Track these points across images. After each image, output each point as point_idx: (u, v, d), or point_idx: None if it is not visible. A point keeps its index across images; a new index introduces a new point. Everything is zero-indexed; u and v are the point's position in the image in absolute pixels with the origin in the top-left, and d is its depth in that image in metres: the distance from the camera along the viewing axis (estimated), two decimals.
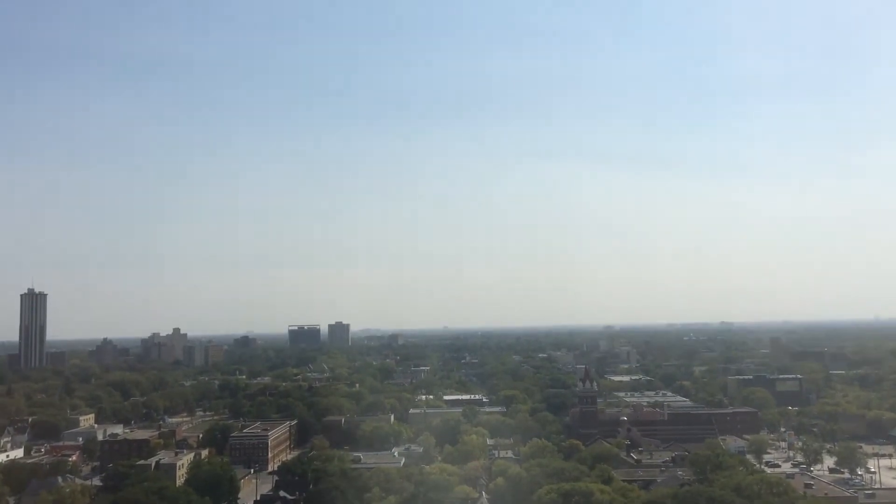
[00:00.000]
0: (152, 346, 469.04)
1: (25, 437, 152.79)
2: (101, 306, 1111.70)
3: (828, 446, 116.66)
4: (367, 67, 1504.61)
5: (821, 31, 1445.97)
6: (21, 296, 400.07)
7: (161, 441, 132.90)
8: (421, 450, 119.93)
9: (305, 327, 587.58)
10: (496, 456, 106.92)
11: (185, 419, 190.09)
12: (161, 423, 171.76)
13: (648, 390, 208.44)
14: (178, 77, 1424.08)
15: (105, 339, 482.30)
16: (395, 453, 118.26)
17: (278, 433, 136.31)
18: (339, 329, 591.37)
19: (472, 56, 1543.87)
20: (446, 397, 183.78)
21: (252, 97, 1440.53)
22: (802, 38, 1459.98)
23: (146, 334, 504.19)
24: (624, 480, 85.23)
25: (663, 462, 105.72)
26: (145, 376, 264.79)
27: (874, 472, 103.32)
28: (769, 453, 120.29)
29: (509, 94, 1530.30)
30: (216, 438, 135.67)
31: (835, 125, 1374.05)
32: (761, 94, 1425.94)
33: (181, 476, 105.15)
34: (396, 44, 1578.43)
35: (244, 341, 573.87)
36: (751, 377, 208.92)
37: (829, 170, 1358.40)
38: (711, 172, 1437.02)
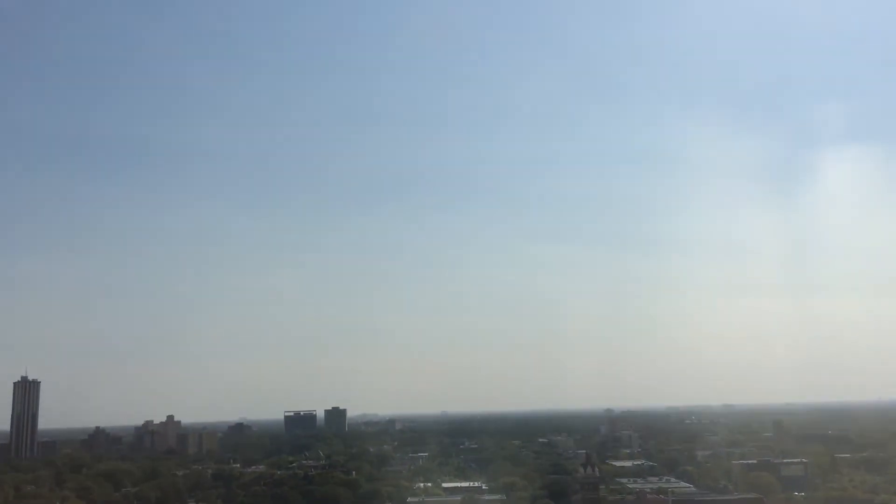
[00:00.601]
0: (145, 435, 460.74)
1: None
2: (95, 394, 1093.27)
3: None
4: (358, 154, 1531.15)
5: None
6: (14, 384, 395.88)
7: None
8: None
9: (301, 413, 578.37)
10: None
11: None
12: None
13: (651, 476, 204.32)
14: (176, 165, 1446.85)
15: (98, 428, 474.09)
16: None
17: None
18: (335, 414, 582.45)
19: (461, 141, 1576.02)
20: (445, 485, 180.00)
21: (248, 183, 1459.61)
22: (767, 118, 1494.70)
23: (139, 422, 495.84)
24: None
25: None
26: (138, 466, 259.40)
27: None
28: None
29: (501, 177, 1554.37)
30: None
31: (830, 205, 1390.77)
32: (760, 172, 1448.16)
33: None
34: (386, 131, 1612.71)
35: (239, 428, 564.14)
36: (755, 461, 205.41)
37: (828, 250, 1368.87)
38: (708, 253, 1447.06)
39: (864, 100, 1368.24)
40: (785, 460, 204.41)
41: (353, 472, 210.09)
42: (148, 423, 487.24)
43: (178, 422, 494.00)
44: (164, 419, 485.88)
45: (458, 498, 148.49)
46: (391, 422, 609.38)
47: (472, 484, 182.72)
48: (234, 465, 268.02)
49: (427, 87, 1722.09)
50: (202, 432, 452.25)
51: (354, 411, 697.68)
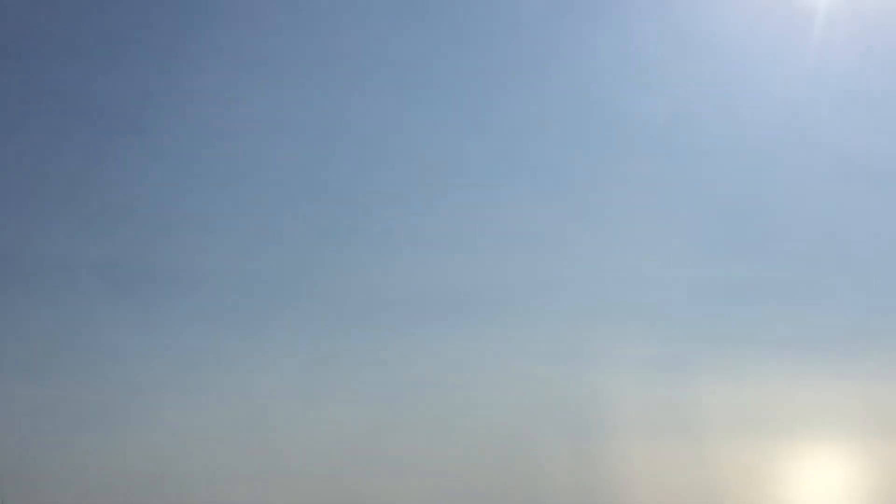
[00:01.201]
0: None
1: None
2: None
3: None
4: (349, 277, 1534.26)
5: None
6: None
7: None
8: None
9: None
10: None
11: None
12: None
13: None
14: (167, 290, 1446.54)
15: None
16: None
17: None
18: None
19: (453, 260, 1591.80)
20: None
21: (235, 306, 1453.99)
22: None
23: None
24: None
25: None
26: None
27: None
28: None
29: (493, 297, 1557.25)
30: None
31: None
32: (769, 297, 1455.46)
33: None
34: (376, 253, 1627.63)
35: None
36: None
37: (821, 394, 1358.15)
38: (718, 376, 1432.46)
39: None
40: None
41: None
42: None
43: None
44: None
45: None
46: None
47: None
48: None
49: (415, 209, 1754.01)
50: None
51: None
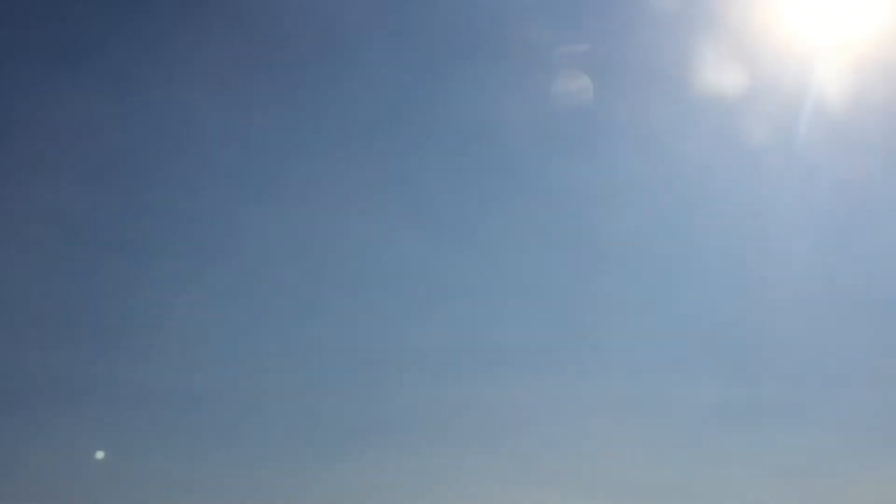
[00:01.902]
0: None
1: None
2: None
3: None
4: (332, 398, 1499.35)
5: None
6: None
7: None
8: None
9: None
10: None
11: None
12: None
13: None
14: (152, 411, 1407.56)
15: None
16: None
17: None
18: None
19: (442, 381, 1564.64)
20: None
21: (231, 427, 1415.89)
22: None
23: None
24: None
25: None
26: None
27: None
28: None
29: (483, 420, 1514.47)
30: None
31: None
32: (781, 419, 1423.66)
33: None
34: (363, 372, 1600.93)
35: None
36: None
37: None
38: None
39: None
40: None
41: None
42: None
43: None
44: None
45: None
46: None
47: None
48: None
49: (402, 330, 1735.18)
50: None
51: None
